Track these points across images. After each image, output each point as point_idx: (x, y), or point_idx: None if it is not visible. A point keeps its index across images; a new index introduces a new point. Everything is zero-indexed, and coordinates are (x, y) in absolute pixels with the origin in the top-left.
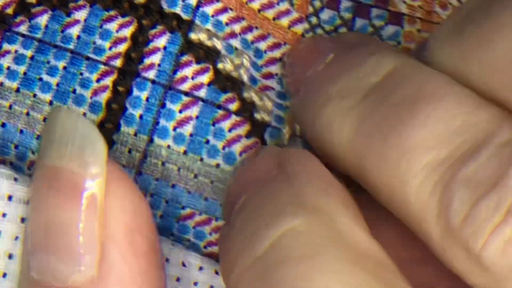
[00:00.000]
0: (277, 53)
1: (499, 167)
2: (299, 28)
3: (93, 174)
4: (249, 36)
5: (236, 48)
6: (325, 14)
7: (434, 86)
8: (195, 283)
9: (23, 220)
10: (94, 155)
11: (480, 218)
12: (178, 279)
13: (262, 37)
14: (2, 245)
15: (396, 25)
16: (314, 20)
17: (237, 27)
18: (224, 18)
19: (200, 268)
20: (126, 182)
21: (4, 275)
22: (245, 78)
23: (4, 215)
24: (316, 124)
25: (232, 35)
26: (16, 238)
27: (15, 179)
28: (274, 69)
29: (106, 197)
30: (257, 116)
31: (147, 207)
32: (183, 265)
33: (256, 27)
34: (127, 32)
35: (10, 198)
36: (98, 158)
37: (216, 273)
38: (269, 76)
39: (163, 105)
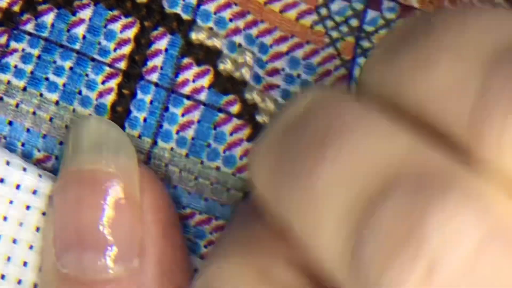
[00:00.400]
0: (283, 47)
1: (413, 211)
2: (308, 20)
3: (129, 175)
4: (254, 31)
5: (239, 45)
6: (336, 5)
7: (345, 119)
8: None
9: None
10: (129, 157)
11: (396, 278)
12: None
13: (268, 31)
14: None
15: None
16: (324, 11)
17: (241, 23)
18: (227, 14)
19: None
20: (156, 182)
21: (3, 277)
22: (247, 77)
23: (5, 218)
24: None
25: (236, 31)
26: (14, 241)
27: (24, 169)
28: (280, 64)
29: (141, 196)
30: (259, 118)
31: (173, 203)
32: None
33: (262, 21)
34: (130, 33)
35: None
36: (132, 161)
37: None
38: (274, 72)
39: (166, 109)
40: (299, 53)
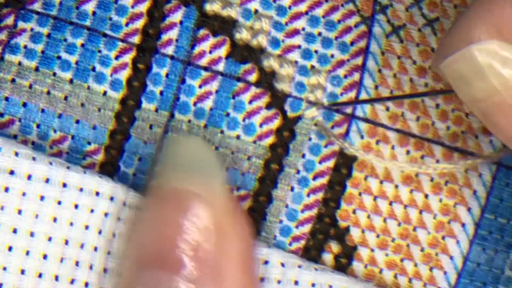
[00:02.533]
0: (302, 7)
1: None
2: None
3: (218, 201)
4: None
5: (255, 11)
6: None
7: None
8: None
9: (42, 198)
10: (220, 183)
11: None
12: None
13: None
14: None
15: None
16: None
17: None
18: None
19: None
20: (241, 211)
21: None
22: (264, 44)
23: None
24: None
25: None
26: (32, 234)
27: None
28: (300, 24)
29: (226, 223)
30: (277, 86)
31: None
32: None
33: None
34: (143, 7)
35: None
36: (223, 187)
37: None
38: (294, 32)
39: (183, 81)
40: (318, 11)
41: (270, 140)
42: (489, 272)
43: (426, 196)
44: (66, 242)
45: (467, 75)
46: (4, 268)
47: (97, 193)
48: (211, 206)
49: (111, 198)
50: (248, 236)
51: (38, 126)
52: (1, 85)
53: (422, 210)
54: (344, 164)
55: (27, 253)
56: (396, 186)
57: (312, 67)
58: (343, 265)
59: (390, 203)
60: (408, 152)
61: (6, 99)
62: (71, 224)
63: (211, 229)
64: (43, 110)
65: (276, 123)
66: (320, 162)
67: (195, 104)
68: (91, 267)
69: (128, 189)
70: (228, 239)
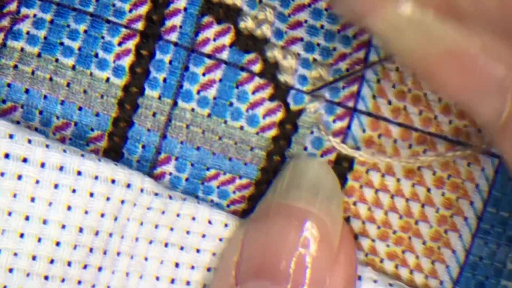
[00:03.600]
0: None
1: None
2: None
3: (334, 225)
4: None
5: (260, 1)
6: None
7: None
8: (220, 239)
9: (56, 186)
10: (338, 208)
11: None
12: (203, 236)
13: None
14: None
15: None
16: None
17: None
18: None
19: (226, 225)
20: (352, 239)
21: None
22: (268, 34)
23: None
24: None
25: None
26: (45, 221)
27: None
28: (303, 16)
29: (338, 245)
30: (280, 78)
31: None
32: (209, 222)
33: None
34: None
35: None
36: (340, 212)
37: None
38: (297, 25)
39: (186, 68)
40: (321, 4)
41: (273, 132)
42: (491, 266)
43: (429, 190)
44: (80, 230)
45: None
46: (15, 254)
47: (113, 181)
48: (329, 229)
49: (128, 185)
50: (354, 265)
51: (40, 112)
52: (3, 71)
53: (424, 204)
54: (346, 158)
55: (39, 240)
56: (398, 180)
57: (315, 60)
58: None
59: (392, 197)
60: (410, 146)
61: (9, 85)
62: (86, 212)
63: (325, 252)
64: (45, 97)
65: (279, 115)
66: (321, 155)
67: (198, 92)
68: (105, 253)
69: (143, 176)
70: (338, 264)
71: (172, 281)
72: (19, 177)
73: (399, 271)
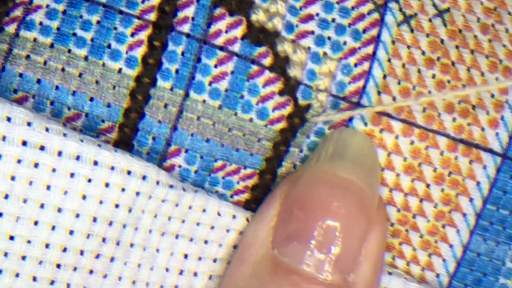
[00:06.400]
0: None
1: None
2: None
3: (373, 196)
4: None
5: None
6: None
7: None
8: (228, 230)
9: (72, 175)
10: (378, 181)
11: None
12: (212, 227)
13: None
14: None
15: None
16: None
17: None
18: None
19: (234, 217)
20: (385, 209)
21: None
22: (279, 27)
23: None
24: None
25: None
26: (60, 210)
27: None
28: (314, 9)
29: (374, 216)
30: (290, 72)
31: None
32: (218, 214)
33: None
34: None
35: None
36: (378, 186)
37: (247, 220)
38: (308, 18)
39: (198, 60)
40: None
41: (281, 125)
42: (489, 262)
43: (428, 185)
44: (94, 220)
45: None
46: (29, 241)
47: (129, 172)
48: (369, 201)
49: (144, 177)
50: (385, 237)
51: (52, 103)
52: (16, 61)
53: (422, 199)
54: None
55: (53, 228)
56: (398, 175)
57: (325, 54)
58: None
59: (390, 190)
60: (412, 143)
61: (21, 75)
62: (101, 202)
63: (362, 221)
64: (57, 87)
65: (288, 109)
66: None
67: (210, 84)
68: (118, 243)
69: (158, 169)
70: (372, 233)
71: (181, 272)
72: (36, 165)
73: (396, 262)
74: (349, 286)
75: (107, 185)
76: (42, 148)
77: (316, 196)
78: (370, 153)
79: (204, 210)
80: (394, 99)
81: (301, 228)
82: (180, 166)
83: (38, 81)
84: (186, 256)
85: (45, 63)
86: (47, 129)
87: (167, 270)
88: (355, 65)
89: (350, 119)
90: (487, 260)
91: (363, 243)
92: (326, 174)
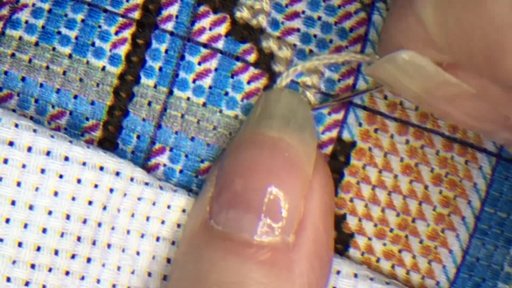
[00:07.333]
0: None
1: None
2: None
3: (308, 153)
4: None
5: None
6: None
7: None
8: None
9: (43, 171)
10: (311, 137)
11: None
12: None
13: None
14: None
15: None
16: None
17: None
18: None
19: None
20: (326, 167)
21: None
22: (264, 24)
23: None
24: None
25: None
26: (31, 207)
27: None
28: (300, 6)
29: (312, 176)
30: (275, 68)
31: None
32: None
33: None
34: None
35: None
36: (313, 141)
37: None
38: (294, 15)
39: (182, 57)
40: None
41: None
42: (488, 267)
43: (426, 187)
44: (67, 217)
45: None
46: (1, 240)
47: (101, 168)
48: (302, 157)
49: (117, 173)
50: (331, 189)
51: (36, 101)
52: (1, 59)
53: (421, 201)
54: (342, 152)
55: (25, 226)
56: (396, 176)
57: (311, 51)
58: (338, 251)
59: (389, 193)
60: (407, 142)
61: (5, 73)
62: (73, 198)
63: (298, 179)
64: (41, 85)
65: None
66: None
67: (194, 81)
68: (94, 243)
69: (133, 166)
70: (312, 191)
71: (164, 278)
72: (5, 161)
73: (396, 271)
74: (288, 246)
75: (79, 181)
76: (11, 143)
77: (243, 159)
78: (300, 108)
79: (183, 211)
80: (385, 97)
81: (234, 194)
82: (164, 165)
83: (23, 79)
84: (169, 261)
85: (29, 61)
86: (16, 125)
87: (149, 274)
88: (342, 63)
89: (345, 119)
90: (485, 265)
91: (301, 202)
92: (253, 135)
